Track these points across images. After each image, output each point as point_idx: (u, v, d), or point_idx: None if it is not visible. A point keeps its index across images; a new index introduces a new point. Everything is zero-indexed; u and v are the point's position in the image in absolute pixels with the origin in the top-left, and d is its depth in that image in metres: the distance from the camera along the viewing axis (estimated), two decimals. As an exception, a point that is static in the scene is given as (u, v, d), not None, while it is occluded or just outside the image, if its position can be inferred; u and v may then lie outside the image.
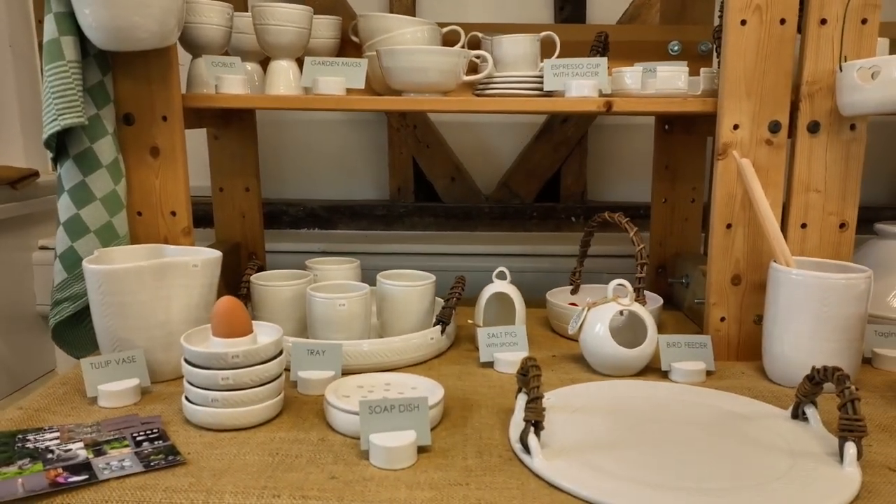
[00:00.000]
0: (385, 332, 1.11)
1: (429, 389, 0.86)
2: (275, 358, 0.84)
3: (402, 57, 1.08)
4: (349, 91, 1.10)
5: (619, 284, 1.03)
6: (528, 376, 0.78)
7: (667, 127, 1.40)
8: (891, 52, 1.07)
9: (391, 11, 1.69)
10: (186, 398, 0.83)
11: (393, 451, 0.73)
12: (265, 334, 0.87)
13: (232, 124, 1.39)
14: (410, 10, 1.69)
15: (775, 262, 0.98)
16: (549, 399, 0.90)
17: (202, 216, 1.53)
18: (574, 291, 1.29)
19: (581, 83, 1.07)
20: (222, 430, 0.81)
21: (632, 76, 1.09)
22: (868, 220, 1.58)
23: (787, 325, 0.96)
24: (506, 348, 1.04)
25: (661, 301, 1.23)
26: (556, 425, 0.82)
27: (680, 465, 0.73)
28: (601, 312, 1.01)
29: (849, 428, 0.72)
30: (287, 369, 0.95)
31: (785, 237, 1.05)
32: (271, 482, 0.70)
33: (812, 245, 1.05)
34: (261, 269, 1.15)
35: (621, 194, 1.82)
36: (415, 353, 1.03)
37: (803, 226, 1.05)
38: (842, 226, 1.05)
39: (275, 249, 1.63)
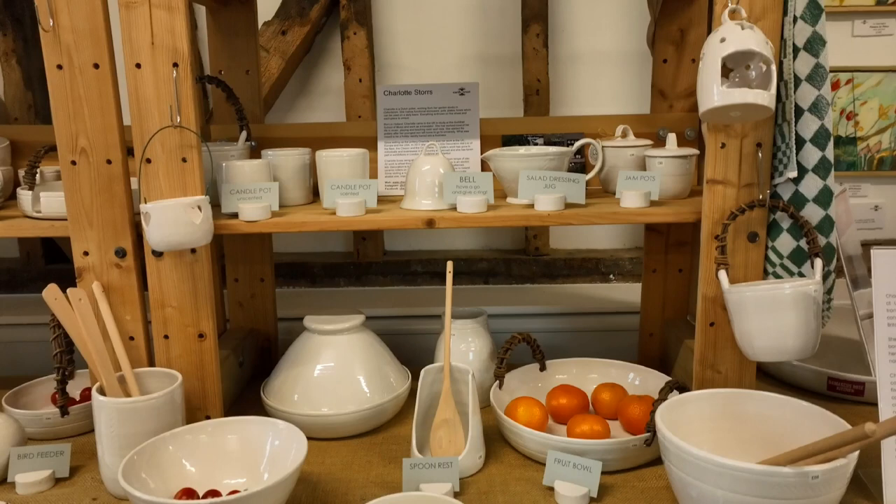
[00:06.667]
0: None
1: None
2: None
3: None
4: None
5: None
6: None
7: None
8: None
9: None
10: None
11: None
12: None
13: None
14: None
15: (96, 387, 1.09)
16: None
17: None
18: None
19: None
20: None
21: (27, 199, 1.19)
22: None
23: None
24: None
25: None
26: None
27: None
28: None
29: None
30: None
31: (147, 349, 1.17)
32: None
33: (176, 354, 1.17)
34: None
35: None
36: None
37: (166, 337, 1.16)
38: (200, 336, 1.16)
39: None
